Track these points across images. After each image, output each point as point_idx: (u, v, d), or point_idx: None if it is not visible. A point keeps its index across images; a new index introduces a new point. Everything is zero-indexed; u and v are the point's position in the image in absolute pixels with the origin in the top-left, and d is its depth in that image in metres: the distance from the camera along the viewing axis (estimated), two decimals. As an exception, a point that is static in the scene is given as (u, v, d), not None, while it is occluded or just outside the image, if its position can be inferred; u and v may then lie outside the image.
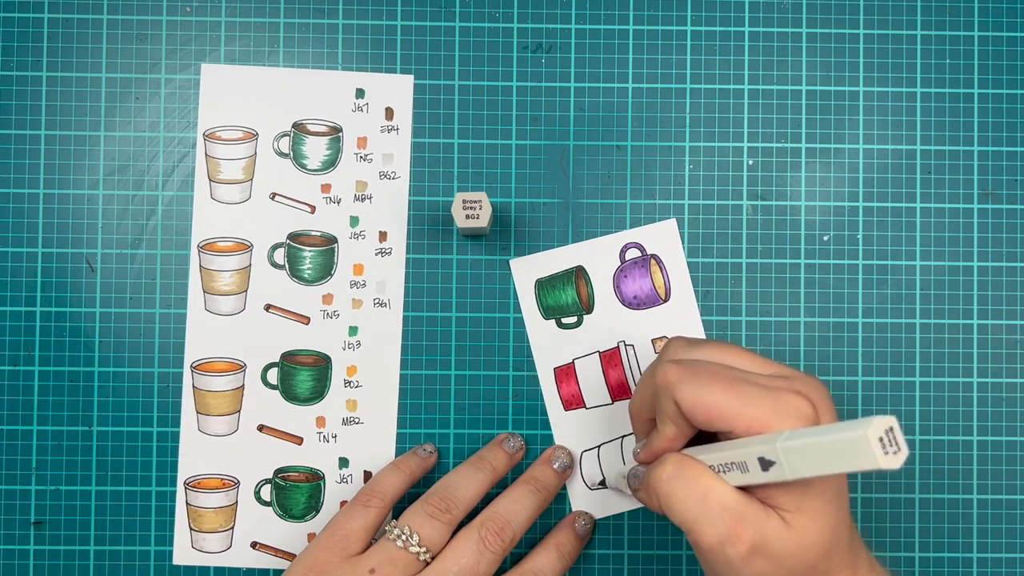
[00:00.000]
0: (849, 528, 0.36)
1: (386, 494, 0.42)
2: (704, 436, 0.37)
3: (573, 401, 0.46)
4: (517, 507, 0.42)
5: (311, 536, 0.46)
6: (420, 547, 0.39)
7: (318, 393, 0.46)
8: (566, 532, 0.44)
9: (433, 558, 0.39)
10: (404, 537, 0.39)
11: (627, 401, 0.46)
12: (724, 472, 0.34)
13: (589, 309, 0.46)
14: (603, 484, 0.46)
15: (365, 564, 0.39)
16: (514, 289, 0.46)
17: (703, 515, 0.33)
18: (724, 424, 0.33)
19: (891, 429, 0.28)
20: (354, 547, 0.40)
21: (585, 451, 0.46)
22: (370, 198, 0.47)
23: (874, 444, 0.28)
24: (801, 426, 0.33)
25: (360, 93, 0.47)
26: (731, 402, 0.33)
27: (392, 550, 0.39)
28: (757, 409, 0.33)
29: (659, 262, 0.46)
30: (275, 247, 0.46)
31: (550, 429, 0.46)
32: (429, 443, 0.45)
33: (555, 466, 0.44)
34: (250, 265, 0.46)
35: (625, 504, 0.46)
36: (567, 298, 0.46)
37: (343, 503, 0.46)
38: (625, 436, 0.46)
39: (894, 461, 0.28)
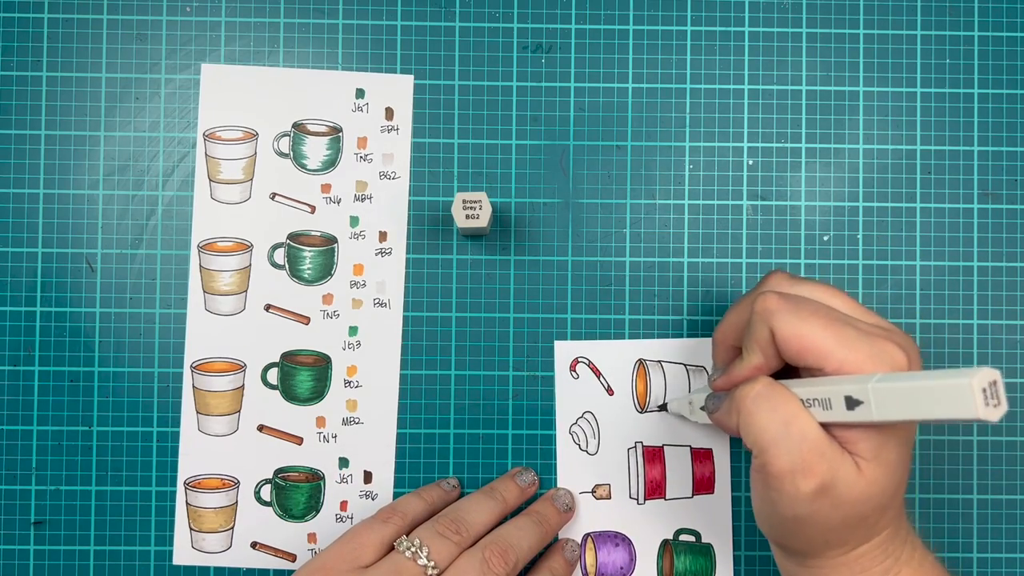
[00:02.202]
0: (904, 490, 0.36)
1: (406, 515, 0.42)
2: (782, 376, 0.37)
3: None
4: (520, 534, 0.42)
5: (311, 536, 0.46)
6: (428, 560, 0.39)
7: (318, 393, 0.46)
8: (557, 558, 0.44)
9: (440, 574, 0.39)
10: (413, 549, 0.39)
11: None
12: (807, 407, 0.34)
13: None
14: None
15: (372, 574, 0.39)
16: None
17: (782, 440, 0.34)
18: (816, 360, 0.34)
19: (994, 382, 0.28)
20: (366, 558, 0.40)
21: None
22: (370, 198, 0.47)
23: (977, 393, 0.28)
24: None
25: (360, 93, 0.47)
26: (829, 340, 0.33)
27: (400, 561, 0.39)
28: (853, 351, 0.33)
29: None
30: (275, 247, 0.46)
31: (551, 429, 0.46)
32: (453, 477, 0.46)
33: (557, 504, 0.45)
34: (250, 265, 0.46)
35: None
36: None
37: (343, 503, 0.46)
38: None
39: (993, 414, 0.28)
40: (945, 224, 0.47)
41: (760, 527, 0.38)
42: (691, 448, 0.46)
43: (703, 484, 0.46)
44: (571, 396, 0.46)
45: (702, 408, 0.42)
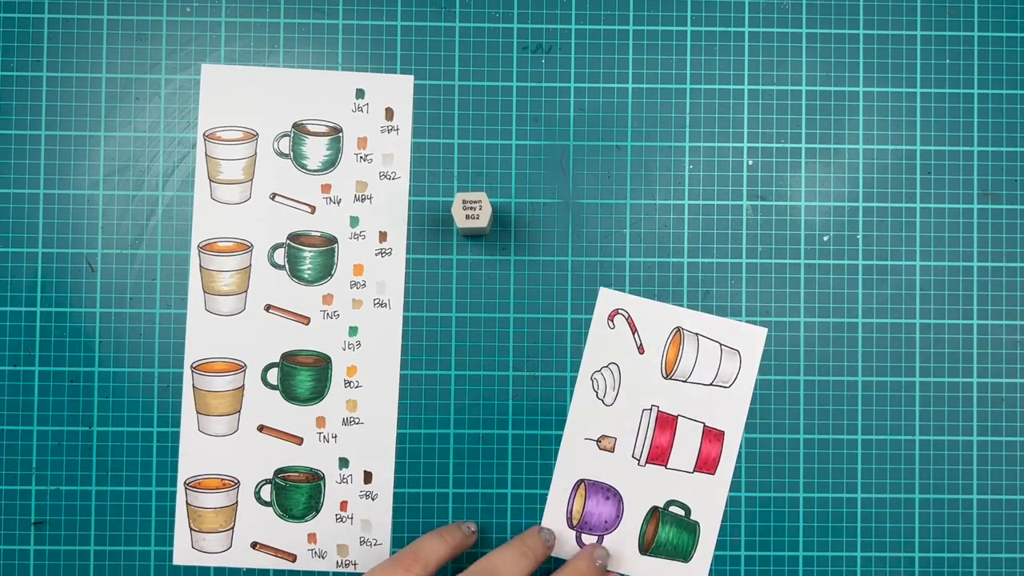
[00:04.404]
0: None
1: (429, 562, 0.41)
2: None
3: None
4: None
5: (311, 536, 0.46)
6: None
7: (318, 393, 0.46)
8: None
9: None
10: None
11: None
12: None
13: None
14: None
15: None
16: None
17: None
18: None
19: None
20: None
21: None
22: (370, 198, 0.47)
23: None
24: None
25: (360, 93, 0.47)
26: None
27: None
28: None
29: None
30: (275, 247, 0.46)
31: (551, 429, 0.46)
32: (472, 523, 0.45)
33: (597, 561, 0.45)
34: (250, 265, 0.46)
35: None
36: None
37: (343, 503, 0.46)
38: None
39: None
40: (945, 224, 0.47)
41: None
42: (704, 426, 0.46)
43: (707, 463, 0.46)
44: (602, 344, 0.46)
45: None
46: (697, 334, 0.46)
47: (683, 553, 0.46)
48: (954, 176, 0.47)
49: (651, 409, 0.46)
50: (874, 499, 0.46)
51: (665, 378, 0.46)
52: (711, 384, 0.46)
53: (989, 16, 0.47)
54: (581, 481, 0.46)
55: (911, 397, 0.46)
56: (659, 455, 0.46)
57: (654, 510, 0.46)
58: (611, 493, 0.46)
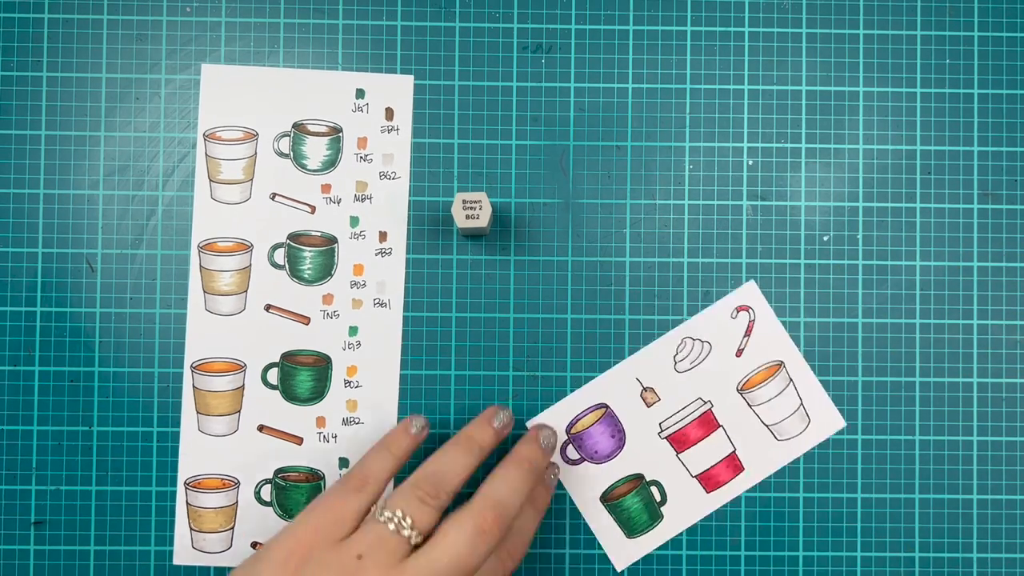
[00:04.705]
0: None
1: (380, 480, 0.40)
2: None
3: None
4: (514, 494, 0.40)
5: (311, 536, 0.46)
6: (413, 530, 0.38)
7: (318, 393, 0.46)
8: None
9: (423, 541, 0.38)
10: (396, 520, 0.38)
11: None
12: None
13: None
14: None
15: (352, 550, 0.37)
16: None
17: None
18: None
19: None
20: (345, 531, 0.38)
21: None
22: (370, 198, 0.47)
23: None
24: None
25: (360, 93, 0.47)
26: None
27: (383, 532, 0.37)
28: None
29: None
30: (275, 247, 0.46)
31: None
32: (420, 416, 0.43)
33: (543, 444, 0.43)
34: (250, 265, 0.46)
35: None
36: None
37: (343, 503, 0.46)
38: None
39: None
40: (945, 224, 0.47)
41: None
42: (734, 452, 0.46)
43: (709, 481, 0.46)
44: (712, 324, 0.46)
45: None
46: (791, 380, 0.46)
47: (630, 529, 0.46)
48: (954, 176, 0.47)
49: (706, 403, 0.46)
50: (874, 499, 0.46)
51: (737, 390, 0.46)
52: (767, 425, 0.46)
53: (989, 16, 0.47)
54: (606, 405, 0.46)
55: (911, 397, 0.46)
56: (680, 441, 0.46)
57: (638, 477, 0.46)
58: (619, 436, 0.46)
